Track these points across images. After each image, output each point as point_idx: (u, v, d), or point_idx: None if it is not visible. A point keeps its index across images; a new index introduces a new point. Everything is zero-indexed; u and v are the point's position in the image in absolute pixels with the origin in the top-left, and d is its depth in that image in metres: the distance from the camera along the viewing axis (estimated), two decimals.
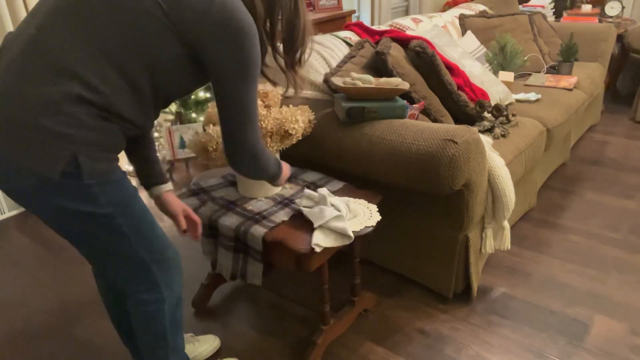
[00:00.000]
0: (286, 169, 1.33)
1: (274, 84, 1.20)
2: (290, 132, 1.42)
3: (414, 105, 1.74)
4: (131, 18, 0.90)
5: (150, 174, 1.24)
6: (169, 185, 1.27)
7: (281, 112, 1.46)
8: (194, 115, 2.95)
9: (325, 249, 1.26)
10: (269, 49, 1.12)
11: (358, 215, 1.35)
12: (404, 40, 1.99)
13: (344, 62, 1.88)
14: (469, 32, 2.84)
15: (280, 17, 1.09)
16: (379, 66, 1.87)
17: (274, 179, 1.25)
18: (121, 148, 0.99)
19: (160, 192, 1.25)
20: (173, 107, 2.94)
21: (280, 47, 1.15)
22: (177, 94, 1.06)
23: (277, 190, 1.51)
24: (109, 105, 0.91)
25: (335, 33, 2.13)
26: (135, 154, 1.22)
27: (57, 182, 0.89)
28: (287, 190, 1.52)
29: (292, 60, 1.17)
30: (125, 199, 0.99)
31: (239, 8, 0.96)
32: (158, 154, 3.10)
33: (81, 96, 0.87)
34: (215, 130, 1.41)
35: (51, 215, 0.96)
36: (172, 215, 1.27)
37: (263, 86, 1.53)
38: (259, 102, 1.48)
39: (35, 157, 0.87)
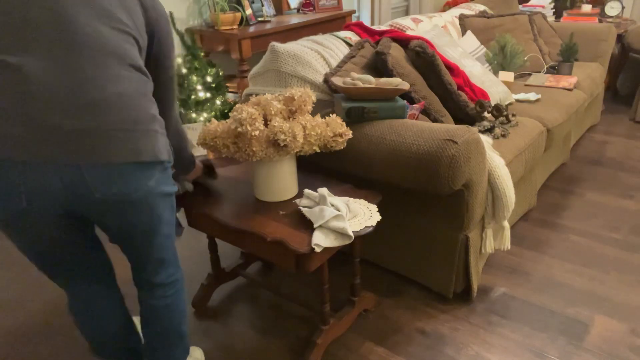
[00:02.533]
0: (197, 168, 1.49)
1: None
2: (279, 143, 1.32)
3: (414, 105, 1.74)
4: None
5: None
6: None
7: (304, 119, 1.38)
8: (194, 115, 2.95)
9: (325, 249, 1.26)
10: None
11: (358, 215, 1.35)
12: (404, 40, 1.99)
13: (344, 62, 1.88)
14: (469, 32, 2.84)
15: None
16: (379, 66, 1.87)
17: (191, 160, 1.41)
18: None
19: None
20: None
21: None
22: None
23: (291, 195, 1.50)
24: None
25: (335, 33, 2.13)
26: None
27: (167, 168, 1.05)
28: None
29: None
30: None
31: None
32: None
33: (147, 84, 1.04)
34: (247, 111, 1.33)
35: (149, 207, 1.05)
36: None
37: (286, 89, 1.46)
38: (282, 107, 1.43)
39: (157, 147, 1.01)
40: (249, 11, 2.94)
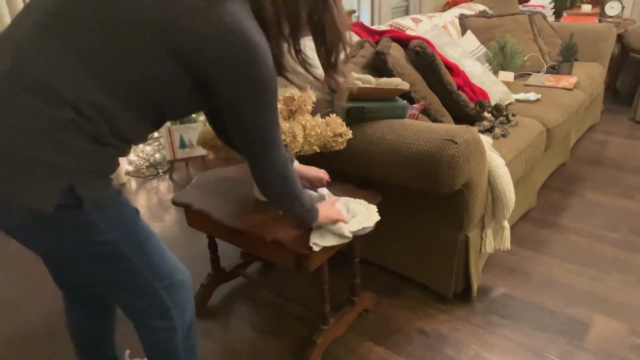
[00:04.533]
0: (327, 211, 1.24)
1: (302, 88, 1.07)
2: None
3: (414, 105, 1.74)
4: (128, 40, 0.81)
5: None
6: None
7: (304, 119, 1.38)
8: (194, 115, 2.95)
9: (325, 249, 1.26)
10: (293, 54, 0.99)
11: (357, 215, 1.35)
12: (404, 40, 1.99)
13: None
14: (469, 32, 2.84)
15: (303, 19, 0.95)
16: (379, 66, 1.87)
17: (310, 213, 1.16)
18: (116, 169, 0.91)
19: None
20: None
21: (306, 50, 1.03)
22: (175, 114, 0.97)
23: None
24: (101, 130, 0.82)
25: None
26: None
27: (52, 216, 0.81)
28: None
29: (327, 64, 1.03)
30: (126, 222, 0.92)
31: (246, 28, 0.83)
32: (157, 154, 3.09)
33: (74, 121, 0.78)
34: None
35: (49, 250, 0.90)
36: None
37: (286, 89, 1.45)
38: (283, 107, 1.42)
39: (26, 190, 0.78)
40: None
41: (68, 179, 0.80)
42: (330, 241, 1.24)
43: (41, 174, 0.78)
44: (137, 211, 0.97)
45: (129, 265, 0.94)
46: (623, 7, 3.71)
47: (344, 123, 1.46)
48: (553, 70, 2.83)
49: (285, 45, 0.97)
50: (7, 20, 2.14)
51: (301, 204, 1.13)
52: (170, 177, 2.92)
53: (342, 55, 1.03)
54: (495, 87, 2.29)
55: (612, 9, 3.71)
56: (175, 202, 1.54)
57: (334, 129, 1.42)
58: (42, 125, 0.77)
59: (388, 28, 2.52)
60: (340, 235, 1.26)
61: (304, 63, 1.01)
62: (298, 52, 0.99)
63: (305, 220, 1.21)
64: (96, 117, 0.81)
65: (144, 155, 3.03)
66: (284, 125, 1.33)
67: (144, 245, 0.96)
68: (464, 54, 2.39)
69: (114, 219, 0.90)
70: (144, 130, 0.92)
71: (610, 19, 3.69)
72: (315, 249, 1.22)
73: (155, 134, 3.11)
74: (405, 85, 1.62)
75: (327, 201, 1.32)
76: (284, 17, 0.92)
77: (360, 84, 1.56)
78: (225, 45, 0.82)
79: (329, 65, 1.03)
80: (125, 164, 2.85)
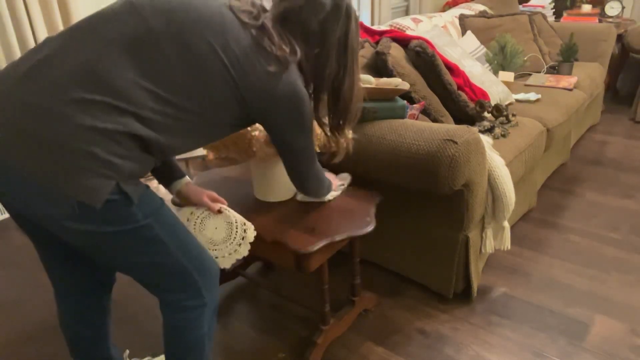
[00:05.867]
0: (333, 180, 1.50)
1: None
2: None
3: (414, 105, 1.74)
4: (197, 72, 0.93)
5: (170, 171, 1.25)
6: (187, 178, 1.28)
7: None
8: None
9: (325, 249, 1.26)
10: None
11: (224, 240, 1.28)
12: (404, 40, 1.99)
13: None
14: (469, 32, 2.84)
15: (327, 84, 1.12)
16: (379, 66, 1.87)
17: (329, 188, 1.39)
18: (149, 171, 1.01)
19: (182, 185, 1.26)
20: None
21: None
22: (220, 138, 1.13)
23: (291, 195, 1.50)
24: (154, 144, 0.93)
25: None
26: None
27: (97, 210, 0.88)
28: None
29: (334, 125, 1.19)
30: (156, 209, 1.00)
31: (297, 80, 1.03)
32: None
33: (130, 131, 0.88)
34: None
35: (87, 241, 0.95)
36: (198, 203, 1.27)
37: None
38: None
39: (80, 183, 0.85)
40: None
41: (117, 177, 0.89)
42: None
43: (93, 169, 0.86)
44: (162, 199, 1.05)
45: (164, 247, 1.02)
46: (623, 7, 3.71)
47: None
48: (553, 70, 2.83)
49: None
50: (7, 20, 2.13)
51: (327, 189, 1.36)
52: None
53: (349, 122, 1.19)
54: (495, 87, 2.29)
55: (612, 9, 3.71)
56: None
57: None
58: (102, 126, 0.86)
59: (388, 28, 2.52)
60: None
61: (319, 120, 1.18)
62: (316, 110, 1.15)
63: (324, 196, 1.42)
64: (155, 131, 0.92)
65: None
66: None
67: (174, 228, 1.04)
68: (464, 54, 2.39)
69: (148, 208, 0.98)
70: (189, 148, 1.04)
71: (610, 19, 3.69)
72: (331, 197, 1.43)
73: None
74: (405, 85, 1.62)
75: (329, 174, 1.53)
76: (310, 77, 1.10)
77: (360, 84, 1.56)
78: (282, 101, 1.02)
79: (335, 127, 1.20)
80: None
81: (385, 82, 1.61)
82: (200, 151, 2.92)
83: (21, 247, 2.20)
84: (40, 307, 1.81)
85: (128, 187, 0.91)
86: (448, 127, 1.47)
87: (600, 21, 3.61)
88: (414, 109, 1.73)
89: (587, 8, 3.70)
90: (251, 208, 1.43)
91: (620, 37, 3.56)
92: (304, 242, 1.25)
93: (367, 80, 1.59)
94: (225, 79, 0.96)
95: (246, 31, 0.98)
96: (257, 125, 1.30)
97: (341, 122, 1.18)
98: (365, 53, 1.96)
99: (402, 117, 1.62)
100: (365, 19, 4.13)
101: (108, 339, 1.30)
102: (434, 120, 1.84)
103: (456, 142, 1.40)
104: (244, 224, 1.25)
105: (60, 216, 0.89)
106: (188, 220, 1.28)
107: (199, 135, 1.02)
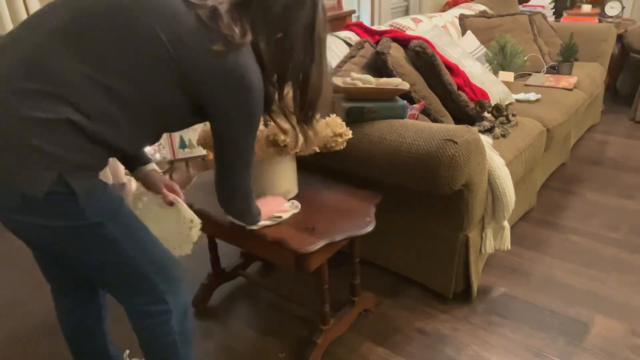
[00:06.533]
0: (274, 205, 1.37)
1: (284, 130, 1.20)
2: (279, 143, 1.34)
3: (414, 105, 1.74)
4: (136, 56, 0.89)
5: (135, 157, 1.22)
6: (153, 165, 1.25)
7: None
8: None
9: (325, 249, 1.26)
10: (277, 100, 1.11)
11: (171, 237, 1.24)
12: (404, 40, 1.99)
13: (344, 62, 1.88)
14: (469, 32, 2.84)
15: (293, 73, 1.07)
16: (379, 66, 1.87)
17: (256, 218, 1.27)
18: (105, 165, 0.97)
19: (147, 172, 1.23)
20: None
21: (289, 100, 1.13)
22: (175, 129, 1.08)
23: (291, 195, 1.50)
24: (98, 133, 0.89)
25: (335, 33, 2.13)
26: None
27: (39, 201, 0.86)
28: None
29: (302, 116, 1.15)
30: (110, 207, 0.97)
31: (249, 66, 0.97)
32: (158, 154, 3.10)
33: (71, 121, 0.85)
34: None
35: (40, 237, 0.93)
36: (157, 191, 1.26)
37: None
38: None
39: (21, 175, 0.84)
40: None
41: (59, 168, 0.86)
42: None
43: (37, 161, 0.84)
44: (122, 199, 1.01)
45: (117, 247, 0.98)
46: (623, 7, 3.71)
47: (344, 123, 1.47)
48: (553, 70, 2.83)
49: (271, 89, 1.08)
50: (8, 21, 2.14)
51: (251, 215, 1.25)
52: (170, 177, 2.92)
53: (317, 114, 1.16)
54: (495, 87, 2.29)
55: (612, 9, 3.71)
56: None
57: (334, 129, 1.42)
58: (44, 116, 0.84)
59: (388, 28, 2.52)
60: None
61: (284, 109, 1.13)
62: (280, 99, 1.11)
63: (250, 224, 1.30)
64: (97, 119, 0.88)
65: None
66: (284, 125, 1.33)
67: (133, 229, 1.01)
68: (464, 54, 2.39)
69: (101, 205, 0.95)
70: (141, 140, 1.00)
71: (610, 19, 3.69)
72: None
73: None
74: (405, 85, 1.62)
75: (270, 198, 1.41)
76: (274, 67, 1.05)
77: (360, 84, 1.56)
78: (226, 82, 0.95)
79: (303, 119, 1.15)
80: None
81: (385, 82, 1.61)
82: (200, 151, 2.93)
83: (21, 247, 2.20)
84: (40, 307, 1.81)
85: (74, 180, 0.88)
86: (448, 127, 1.47)
87: (600, 21, 3.61)
88: (414, 109, 1.73)
89: (587, 8, 3.70)
90: None
91: (620, 37, 3.56)
92: (304, 242, 1.25)
93: (367, 80, 1.59)
94: (166, 60, 0.91)
95: (190, 11, 0.92)
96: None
97: (310, 114, 1.14)
98: (365, 53, 1.96)
99: (402, 117, 1.62)
100: (365, 19, 4.13)
101: (106, 336, 1.30)
102: (434, 120, 1.84)
103: (456, 142, 1.40)
104: (192, 221, 1.23)
105: (7, 208, 0.88)
106: (135, 204, 1.26)
107: (146, 124, 0.97)
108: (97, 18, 0.88)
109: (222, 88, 0.96)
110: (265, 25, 1.00)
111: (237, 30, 0.94)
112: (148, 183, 1.25)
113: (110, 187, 0.99)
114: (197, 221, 1.23)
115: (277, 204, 1.39)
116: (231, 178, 1.10)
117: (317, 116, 1.17)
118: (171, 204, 1.24)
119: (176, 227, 1.24)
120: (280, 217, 1.35)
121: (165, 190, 1.25)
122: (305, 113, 1.14)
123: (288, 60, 1.05)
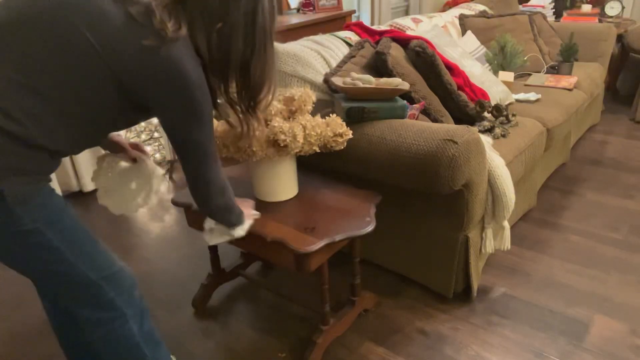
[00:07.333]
0: (247, 207, 1.32)
1: (233, 125, 1.18)
2: (279, 143, 1.34)
3: (414, 105, 1.74)
4: (62, 56, 0.87)
5: None
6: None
7: (305, 119, 1.38)
8: None
9: (325, 249, 1.26)
10: (223, 92, 1.07)
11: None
12: (404, 40, 1.99)
13: (344, 62, 1.88)
14: (469, 32, 2.84)
15: (234, 64, 1.03)
16: (379, 66, 1.87)
17: (240, 217, 1.23)
18: (51, 170, 0.95)
19: (110, 137, 1.25)
20: None
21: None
22: (120, 127, 1.04)
23: (291, 195, 1.50)
24: (31, 137, 0.87)
25: (335, 33, 2.13)
26: None
27: None
28: None
29: (245, 107, 1.12)
30: (52, 215, 0.95)
31: (184, 58, 0.92)
32: (158, 154, 3.09)
33: (6, 126, 0.84)
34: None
35: None
36: (122, 149, 1.26)
37: (286, 89, 1.47)
38: (283, 107, 1.42)
39: None
40: None
41: None
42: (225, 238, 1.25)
43: None
44: (65, 203, 0.99)
45: (59, 256, 0.96)
46: (623, 7, 3.71)
47: (344, 123, 1.47)
48: (553, 70, 2.83)
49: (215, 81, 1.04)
50: None
51: (234, 212, 1.20)
52: (170, 177, 2.92)
53: (262, 104, 1.12)
54: (495, 87, 2.29)
55: (612, 9, 3.71)
56: (175, 202, 1.54)
57: (334, 129, 1.42)
58: None
59: (388, 28, 2.52)
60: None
61: (230, 102, 1.10)
62: (226, 91, 1.07)
63: (235, 225, 1.24)
64: (27, 123, 0.86)
65: None
66: (284, 125, 1.32)
67: (72, 234, 0.98)
68: (464, 54, 2.39)
69: (39, 211, 0.92)
70: (84, 140, 0.98)
71: (610, 19, 3.69)
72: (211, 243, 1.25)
73: (156, 134, 3.10)
74: (405, 85, 1.62)
75: (242, 200, 1.37)
76: (216, 59, 1.00)
77: (360, 84, 1.56)
78: (162, 77, 0.91)
79: (246, 108, 1.12)
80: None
81: (385, 82, 1.61)
82: None
83: None
84: (40, 307, 1.81)
85: (8, 185, 0.86)
86: (448, 127, 1.47)
87: (600, 21, 3.61)
88: (414, 109, 1.73)
89: (587, 8, 3.70)
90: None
91: (620, 37, 3.56)
92: (304, 242, 1.25)
93: (367, 80, 1.59)
94: (94, 59, 0.88)
95: (118, 6, 0.89)
96: (257, 125, 1.29)
97: (252, 104, 1.12)
98: (365, 53, 1.96)
99: (402, 117, 1.62)
100: (365, 19, 4.13)
101: None
102: (434, 120, 1.84)
103: (456, 142, 1.40)
104: (154, 172, 1.25)
105: None
106: (100, 164, 1.28)
107: (83, 125, 0.94)
108: (21, 20, 0.86)
109: (159, 83, 0.92)
110: (204, 16, 0.96)
111: (169, 24, 0.91)
112: (113, 145, 1.27)
113: (56, 194, 0.97)
114: (160, 172, 1.25)
115: (249, 205, 1.36)
116: (201, 174, 1.06)
117: (263, 108, 1.14)
118: (134, 160, 1.26)
119: (142, 181, 1.26)
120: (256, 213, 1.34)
121: (129, 148, 1.27)
122: (247, 103, 1.11)
123: (228, 51, 1.01)
